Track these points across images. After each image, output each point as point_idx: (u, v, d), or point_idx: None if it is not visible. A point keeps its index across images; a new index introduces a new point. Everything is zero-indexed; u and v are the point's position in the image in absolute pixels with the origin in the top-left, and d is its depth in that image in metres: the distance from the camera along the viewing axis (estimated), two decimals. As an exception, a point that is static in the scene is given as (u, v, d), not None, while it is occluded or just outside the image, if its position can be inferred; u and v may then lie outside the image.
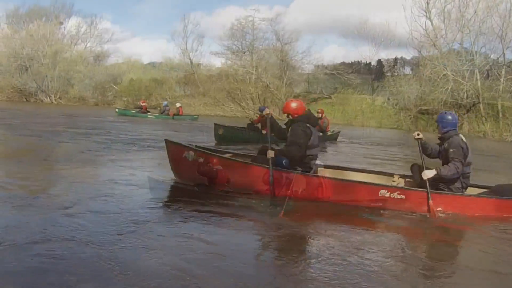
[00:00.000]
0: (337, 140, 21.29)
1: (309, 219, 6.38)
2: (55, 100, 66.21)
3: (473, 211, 6.92)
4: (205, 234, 5.08)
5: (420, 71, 48.97)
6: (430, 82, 45.69)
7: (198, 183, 7.26)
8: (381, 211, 6.91)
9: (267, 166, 7.08)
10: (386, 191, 7.03)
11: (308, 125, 7.51)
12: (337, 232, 5.75)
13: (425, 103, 45.28)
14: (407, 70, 67.66)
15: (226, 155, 7.85)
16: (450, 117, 7.49)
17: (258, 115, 17.28)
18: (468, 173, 7.33)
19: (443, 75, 42.96)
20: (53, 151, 11.62)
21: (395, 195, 7.02)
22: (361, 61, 64.94)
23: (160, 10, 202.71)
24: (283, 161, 7.29)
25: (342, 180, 7.48)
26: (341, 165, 9.37)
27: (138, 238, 4.76)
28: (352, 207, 6.94)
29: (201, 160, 7.45)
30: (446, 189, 7.20)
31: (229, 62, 61.20)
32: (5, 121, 21.43)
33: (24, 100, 67.17)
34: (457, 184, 7.21)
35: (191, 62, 63.42)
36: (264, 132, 16.42)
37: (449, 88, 42.09)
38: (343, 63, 63.20)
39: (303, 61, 58.30)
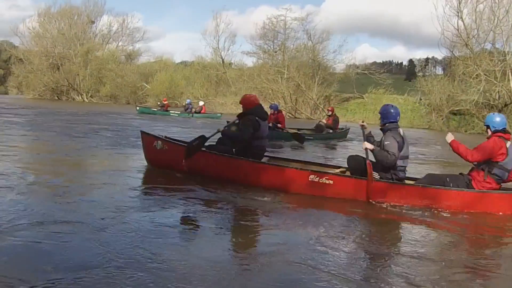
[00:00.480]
0: (347, 137, 21.53)
1: (247, 203, 6.81)
2: (86, 98, 68.21)
3: (398, 198, 7.26)
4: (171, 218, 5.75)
5: (452, 71, 49.05)
6: (462, 82, 45.87)
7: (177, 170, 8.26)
8: (311, 196, 7.39)
9: (215, 153, 8.25)
10: (315, 176, 7.49)
11: (257, 118, 8.30)
12: (259, 216, 6.31)
13: (456, 103, 45.37)
14: (439, 70, 67.93)
15: (183, 143, 8.86)
16: (392, 110, 7.75)
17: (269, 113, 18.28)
18: (403, 166, 7.63)
19: (475, 75, 43.18)
20: (57, 145, 12.69)
21: (323, 180, 7.47)
22: (392, 60, 65.37)
23: (192, 8, 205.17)
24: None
25: (273, 164, 8.18)
26: (317, 161, 10.27)
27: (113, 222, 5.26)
28: (283, 192, 7.49)
29: (166, 148, 8.58)
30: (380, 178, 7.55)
31: (260, 61, 61.89)
32: (26, 117, 23.00)
33: (56, 98, 69.54)
34: (388, 175, 7.51)
35: (223, 61, 64.26)
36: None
37: (481, 88, 42.36)
38: (374, 63, 63.80)
39: (335, 60, 58.77)
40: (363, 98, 52.86)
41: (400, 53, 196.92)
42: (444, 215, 6.88)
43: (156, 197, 6.71)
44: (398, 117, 7.75)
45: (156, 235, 4.89)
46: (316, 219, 6.19)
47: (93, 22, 78.43)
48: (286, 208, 6.78)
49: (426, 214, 6.87)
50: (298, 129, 18.99)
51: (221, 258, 4.43)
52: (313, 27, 58.24)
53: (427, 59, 70.38)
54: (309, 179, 7.46)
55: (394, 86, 55.29)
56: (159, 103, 40.05)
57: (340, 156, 13.87)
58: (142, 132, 9.27)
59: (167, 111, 36.01)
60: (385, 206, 7.11)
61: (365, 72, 57.60)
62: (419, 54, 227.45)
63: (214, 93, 59.90)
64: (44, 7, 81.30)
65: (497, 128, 7.22)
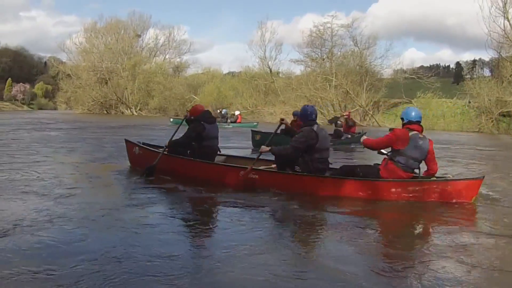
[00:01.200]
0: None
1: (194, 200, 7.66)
2: (135, 111, 70.87)
3: (303, 188, 8.01)
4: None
5: (499, 73, 49.65)
6: (510, 84, 46.62)
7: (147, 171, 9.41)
8: (242, 191, 8.13)
9: (174, 155, 9.74)
10: (243, 172, 8.46)
11: (203, 122, 9.55)
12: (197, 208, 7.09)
13: (506, 105, 46.07)
14: (487, 72, 68.51)
15: (156, 149, 10.42)
16: (309, 111, 8.47)
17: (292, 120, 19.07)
18: (322, 158, 8.24)
19: (523, 76, 43.58)
20: (78, 152, 14.31)
21: (251, 175, 8.36)
22: (439, 64, 65.87)
23: (238, 19, 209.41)
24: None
25: (208, 163, 9.30)
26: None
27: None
28: (220, 187, 8.37)
29: (141, 153, 10.45)
30: (300, 171, 8.23)
31: (308, 69, 63.04)
32: (69, 131, 25.22)
33: (105, 112, 72.16)
34: (306, 168, 8.17)
35: (271, 71, 65.72)
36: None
37: (530, 89, 42.86)
38: (422, 67, 64.44)
39: (382, 66, 59.82)
40: (412, 103, 53.15)
41: (447, 56, 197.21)
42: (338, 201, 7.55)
43: (134, 196, 7.64)
44: (315, 115, 8.48)
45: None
46: (235, 212, 6.91)
47: (139, 36, 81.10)
48: (218, 203, 7.59)
49: (333, 202, 7.50)
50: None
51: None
52: (359, 33, 59.47)
53: (474, 61, 70.86)
54: (240, 175, 8.47)
55: (442, 90, 55.93)
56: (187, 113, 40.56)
57: (349, 159, 15.46)
58: (126, 140, 11.20)
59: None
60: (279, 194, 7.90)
61: (413, 76, 58.65)
62: (466, 56, 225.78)
63: (262, 103, 61.96)
64: (90, 22, 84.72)
65: (410, 120, 7.85)
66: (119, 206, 6.79)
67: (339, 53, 60.79)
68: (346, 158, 15.73)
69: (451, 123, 50.18)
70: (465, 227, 6.33)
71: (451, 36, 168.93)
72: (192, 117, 9.89)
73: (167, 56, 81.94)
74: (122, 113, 70.76)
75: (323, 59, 61.34)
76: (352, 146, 19.85)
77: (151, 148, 10.57)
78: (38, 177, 8.93)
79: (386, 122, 51.10)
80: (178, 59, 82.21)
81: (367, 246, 5.27)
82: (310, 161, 8.17)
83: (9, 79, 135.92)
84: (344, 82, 54.28)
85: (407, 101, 55.58)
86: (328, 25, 59.92)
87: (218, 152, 10.09)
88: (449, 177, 8.13)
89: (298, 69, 78.57)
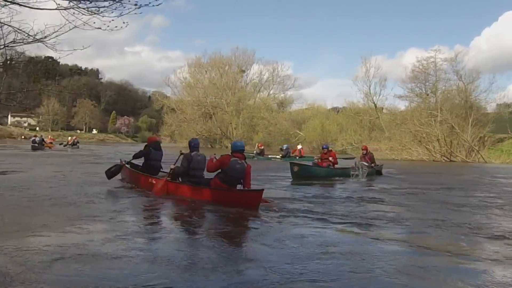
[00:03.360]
0: (382, 174, 23.90)
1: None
2: (240, 146, 73.98)
3: (180, 193, 11.55)
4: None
5: None
6: None
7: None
8: (149, 192, 11.83)
9: (132, 169, 14.30)
10: (151, 179, 12.72)
11: (151, 148, 13.99)
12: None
13: None
14: None
15: (133, 170, 14.50)
16: (192, 144, 12.04)
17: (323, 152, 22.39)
18: (195, 175, 11.74)
19: None
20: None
21: (152, 181, 12.56)
22: (547, 95, 65.15)
23: (341, 55, 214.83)
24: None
25: (145, 175, 13.25)
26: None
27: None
28: (142, 191, 12.24)
29: (127, 171, 14.58)
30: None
31: (413, 104, 64.26)
32: None
33: (210, 146, 76.58)
34: (185, 180, 11.85)
35: (375, 106, 67.67)
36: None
37: None
38: (527, 100, 64.04)
39: (487, 100, 60.33)
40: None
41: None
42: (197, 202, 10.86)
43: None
44: (194, 145, 12.09)
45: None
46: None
47: (243, 72, 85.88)
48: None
49: (194, 202, 10.77)
50: (344, 168, 21.89)
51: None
52: (463, 67, 60.00)
53: None
54: (152, 182, 12.51)
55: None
56: (256, 149, 42.51)
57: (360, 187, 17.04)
58: (124, 164, 14.91)
59: (263, 155, 39.25)
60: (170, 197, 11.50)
61: (518, 110, 58.68)
62: None
63: (367, 139, 62.69)
64: (195, 57, 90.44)
65: (234, 150, 11.29)
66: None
67: (443, 87, 62.57)
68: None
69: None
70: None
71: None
72: (146, 143, 14.64)
73: (271, 92, 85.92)
74: (226, 147, 72.53)
75: (427, 94, 62.49)
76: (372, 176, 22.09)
77: (130, 169, 14.65)
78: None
79: (492, 158, 52.27)
80: (282, 95, 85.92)
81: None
82: (189, 176, 11.83)
83: (114, 112, 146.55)
84: (449, 117, 55.34)
85: (513, 136, 55.73)
86: (432, 59, 61.67)
87: (161, 169, 14.04)
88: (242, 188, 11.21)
89: (402, 105, 79.31)
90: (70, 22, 10.21)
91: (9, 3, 9.97)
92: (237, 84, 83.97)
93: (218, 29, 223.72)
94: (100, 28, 10.28)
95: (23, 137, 42.58)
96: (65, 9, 9.83)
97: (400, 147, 55.59)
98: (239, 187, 11.07)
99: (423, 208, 11.33)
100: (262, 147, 41.73)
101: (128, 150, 44.20)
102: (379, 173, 23.32)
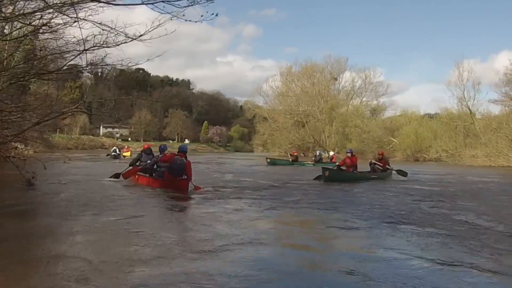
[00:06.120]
0: (391, 178, 25.44)
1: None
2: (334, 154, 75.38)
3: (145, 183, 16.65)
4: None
5: None
6: None
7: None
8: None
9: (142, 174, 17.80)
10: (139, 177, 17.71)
11: (143, 153, 19.16)
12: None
13: None
14: None
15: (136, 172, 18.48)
16: (162, 147, 17.89)
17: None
18: (160, 168, 16.37)
19: None
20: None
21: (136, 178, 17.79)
22: None
23: (433, 60, 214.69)
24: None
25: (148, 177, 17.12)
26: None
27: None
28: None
29: (133, 175, 18.33)
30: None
31: (507, 108, 62.30)
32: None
33: (302, 155, 77.26)
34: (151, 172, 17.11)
35: (470, 111, 66.42)
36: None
37: None
38: None
39: None
40: None
41: None
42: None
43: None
44: (163, 148, 17.91)
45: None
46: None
47: (336, 79, 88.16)
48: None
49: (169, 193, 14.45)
50: (361, 172, 24.53)
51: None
52: None
53: None
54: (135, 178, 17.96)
55: None
56: (290, 155, 46.14)
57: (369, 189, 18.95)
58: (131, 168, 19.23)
59: (296, 161, 42.31)
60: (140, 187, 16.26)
61: None
62: None
63: (462, 145, 63.06)
64: (286, 66, 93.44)
65: (178, 151, 16.05)
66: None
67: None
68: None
69: None
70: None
71: None
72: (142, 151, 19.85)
73: (363, 99, 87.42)
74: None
75: (523, 98, 62.03)
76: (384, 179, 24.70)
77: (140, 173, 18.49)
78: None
79: None
80: (375, 102, 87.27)
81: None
82: (155, 172, 16.93)
83: (206, 122, 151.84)
84: (546, 120, 54.88)
85: None
86: (526, 61, 59.29)
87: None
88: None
89: (496, 109, 77.39)
90: (158, 20, 11.25)
91: (106, 4, 10.78)
92: (329, 92, 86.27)
93: (309, 36, 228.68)
94: (191, 20, 10.65)
95: (114, 147, 47.56)
96: (153, 3, 10.36)
97: (497, 153, 54.99)
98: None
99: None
100: (296, 154, 45.68)
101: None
102: (402, 173, 25.58)
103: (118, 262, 6.11)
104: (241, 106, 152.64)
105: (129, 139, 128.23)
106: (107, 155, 49.04)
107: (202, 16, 10.07)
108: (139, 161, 18.96)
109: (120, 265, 6.00)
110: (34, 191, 14.20)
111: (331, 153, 47.47)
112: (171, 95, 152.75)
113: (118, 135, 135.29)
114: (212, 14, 10.37)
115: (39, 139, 23.42)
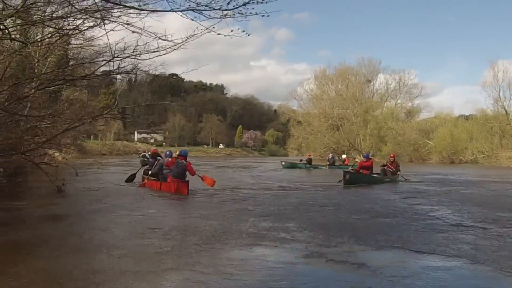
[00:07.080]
0: (397, 181, 26.04)
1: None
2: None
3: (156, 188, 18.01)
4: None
5: None
6: None
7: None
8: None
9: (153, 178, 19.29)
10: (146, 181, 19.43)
11: (148, 156, 23.65)
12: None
13: None
14: None
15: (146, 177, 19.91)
16: (167, 152, 19.74)
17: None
18: (164, 173, 18.12)
19: None
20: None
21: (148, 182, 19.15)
22: None
23: (467, 61, 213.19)
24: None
25: (156, 180, 18.65)
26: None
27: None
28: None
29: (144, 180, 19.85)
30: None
31: None
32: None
33: (337, 158, 78.18)
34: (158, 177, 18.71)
35: (506, 112, 66.75)
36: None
37: None
38: None
39: None
40: None
41: None
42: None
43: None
44: (170, 155, 19.16)
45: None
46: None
47: (370, 82, 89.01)
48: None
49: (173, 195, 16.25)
50: (373, 173, 25.40)
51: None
52: None
53: None
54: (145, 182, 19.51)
55: None
56: (303, 159, 46.75)
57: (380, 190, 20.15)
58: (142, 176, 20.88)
59: (310, 164, 43.45)
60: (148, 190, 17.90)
61: None
62: None
63: (498, 147, 64.02)
64: (320, 69, 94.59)
65: (179, 155, 18.02)
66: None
67: None
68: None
69: None
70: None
71: None
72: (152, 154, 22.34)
73: (398, 101, 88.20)
74: (354, 158, 74.56)
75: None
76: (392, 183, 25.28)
77: (145, 177, 20.24)
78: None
79: None
80: (410, 104, 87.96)
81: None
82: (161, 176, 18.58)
83: (240, 126, 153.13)
84: None
85: None
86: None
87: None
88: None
89: None
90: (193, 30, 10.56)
91: (141, 10, 10.03)
92: (363, 94, 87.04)
93: (342, 39, 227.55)
94: (220, 34, 9.83)
95: (149, 153, 48.11)
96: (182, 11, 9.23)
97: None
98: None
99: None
100: (310, 156, 47.25)
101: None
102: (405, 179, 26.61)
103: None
104: (275, 110, 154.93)
105: (164, 144, 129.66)
106: (139, 156, 48.99)
107: (232, 31, 9.57)
108: (147, 165, 21.14)
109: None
110: (62, 198, 14.70)
111: (343, 156, 51.06)
112: (205, 100, 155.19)
113: (152, 141, 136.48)
114: (243, 31, 9.82)
115: (72, 145, 24.43)
